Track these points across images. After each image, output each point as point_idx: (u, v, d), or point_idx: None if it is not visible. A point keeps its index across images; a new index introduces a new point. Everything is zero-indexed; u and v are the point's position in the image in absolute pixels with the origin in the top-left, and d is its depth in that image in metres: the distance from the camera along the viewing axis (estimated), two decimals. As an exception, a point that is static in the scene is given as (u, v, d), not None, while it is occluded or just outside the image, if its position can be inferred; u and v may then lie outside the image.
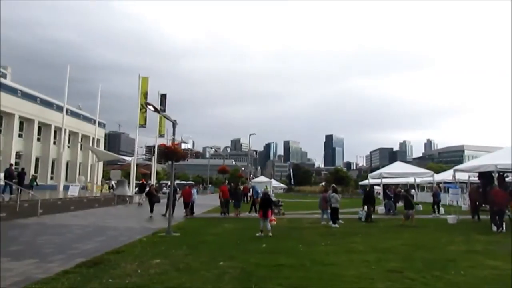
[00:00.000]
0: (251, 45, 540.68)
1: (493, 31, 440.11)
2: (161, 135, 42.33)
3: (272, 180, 75.50)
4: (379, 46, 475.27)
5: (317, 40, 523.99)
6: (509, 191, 17.34)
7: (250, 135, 60.43)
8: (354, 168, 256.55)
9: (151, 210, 19.85)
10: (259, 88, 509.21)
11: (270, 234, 12.60)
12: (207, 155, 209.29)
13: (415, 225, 15.95)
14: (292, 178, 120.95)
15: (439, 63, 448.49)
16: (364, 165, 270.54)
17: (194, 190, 21.30)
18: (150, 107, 14.51)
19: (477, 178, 19.68)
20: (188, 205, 20.15)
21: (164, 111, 37.83)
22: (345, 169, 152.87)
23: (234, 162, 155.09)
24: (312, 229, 15.00)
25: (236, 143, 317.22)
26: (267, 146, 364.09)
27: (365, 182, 45.42)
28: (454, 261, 8.52)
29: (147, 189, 23.86)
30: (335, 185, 20.62)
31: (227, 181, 26.45)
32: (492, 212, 15.17)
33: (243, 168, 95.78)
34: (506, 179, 18.80)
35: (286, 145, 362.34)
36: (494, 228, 14.40)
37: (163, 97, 41.54)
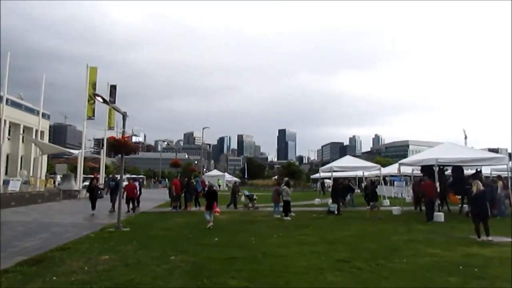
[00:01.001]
0: (205, 37, 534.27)
1: (437, 31, 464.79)
2: (110, 128, 40.76)
3: (226, 173, 75.42)
4: (331, 44, 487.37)
5: (270, 34, 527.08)
6: (448, 183, 18.49)
7: (203, 129, 59.88)
8: (306, 162, 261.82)
9: (93, 207, 17.98)
10: (213, 81, 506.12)
11: (208, 224, 13.09)
12: (159, 148, 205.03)
13: (381, 217, 16.35)
14: (245, 171, 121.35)
15: (387, 63, 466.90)
16: (316, 159, 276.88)
17: (135, 184, 20.89)
18: (99, 98, 13.89)
19: (419, 172, 20.73)
20: (132, 200, 19.54)
21: (114, 102, 36.44)
22: (297, 163, 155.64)
23: (187, 156, 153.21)
24: (264, 222, 15.16)
25: (189, 137, 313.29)
26: (221, 140, 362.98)
27: (316, 175, 46.56)
28: (398, 250, 8.97)
29: (89, 183, 22.31)
30: (288, 179, 20.93)
31: (179, 175, 26.03)
32: (425, 203, 16.10)
33: (196, 162, 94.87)
34: (446, 172, 19.98)
35: (240, 139, 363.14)
36: (439, 217, 15.20)
37: (113, 88, 40.02)
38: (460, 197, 18.89)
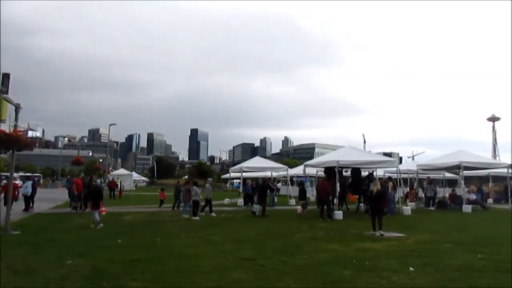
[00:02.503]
0: (113, 29, 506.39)
1: (351, 37, 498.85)
2: (1, 121, 36.70)
3: (133, 172, 72.52)
4: (246, 45, 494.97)
5: (181, 31, 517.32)
6: (347, 184, 19.96)
7: (110, 125, 56.55)
8: (218, 162, 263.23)
9: None
10: (122, 76, 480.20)
11: (98, 225, 12.84)
12: (60, 144, 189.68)
13: (301, 213, 16.98)
14: (154, 171, 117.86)
15: (298, 69, 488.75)
16: (228, 159, 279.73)
17: (28, 183, 19.26)
18: (-13, 86, 12.40)
19: (323, 173, 22.04)
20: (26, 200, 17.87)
21: (7, 93, 32.86)
22: (208, 163, 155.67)
23: (91, 153, 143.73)
24: (172, 222, 14.88)
25: (94, 133, 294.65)
26: (130, 138, 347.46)
27: (227, 175, 46.97)
28: (300, 247, 9.43)
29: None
30: (196, 179, 20.84)
31: (81, 174, 24.33)
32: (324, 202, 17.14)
33: (101, 160, 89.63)
34: (345, 174, 21.57)
35: (150, 137, 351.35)
36: (338, 216, 16.29)
37: (6, 76, 36.00)
38: (357, 196, 20.53)
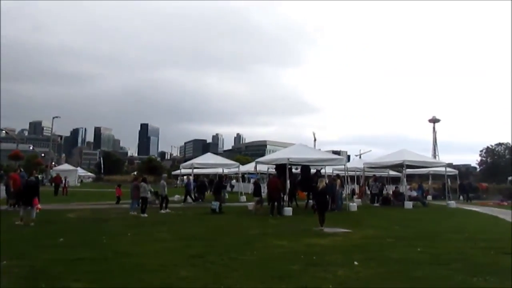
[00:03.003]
0: (54, 16, 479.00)
1: (305, 37, 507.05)
2: None
3: (79, 168, 69.40)
4: (198, 41, 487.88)
5: (132, 24, 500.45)
6: (297, 181, 20.31)
7: (53, 118, 53.87)
8: (169, 158, 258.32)
9: None
10: (66, 67, 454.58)
11: (32, 224, 12.28)
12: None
13: (257, 211, 17.01)
14: (102, 166, 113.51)
15: (251, 66, 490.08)
16: (179, 155, 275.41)
17: None
18: None
19: (274, 170, 22.29)
20: None
21: None
22: (159, 159, 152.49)
23: (32, 147, 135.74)
24: (119, 220, 14.41)
25: (36, 126, 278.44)
26: (75, 132, 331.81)
27: (178, 172, 46.28)
28: (250, 243, 9.48)
29: None
30: (145, 176, 20.34)
31: (20, 169, 22.88)
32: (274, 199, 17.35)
33: (43, 155, 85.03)
34: (295, 171, 21.98)
35: (97, 131, 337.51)
36: (288, 212, 16.59)
37: None
38: (307, 193, 20.98)
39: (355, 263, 7.17)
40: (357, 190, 30.65)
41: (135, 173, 68.51)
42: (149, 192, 17.12)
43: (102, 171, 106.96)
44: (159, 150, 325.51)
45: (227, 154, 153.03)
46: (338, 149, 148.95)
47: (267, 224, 13.70)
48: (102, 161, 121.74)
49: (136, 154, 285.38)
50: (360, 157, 66.51)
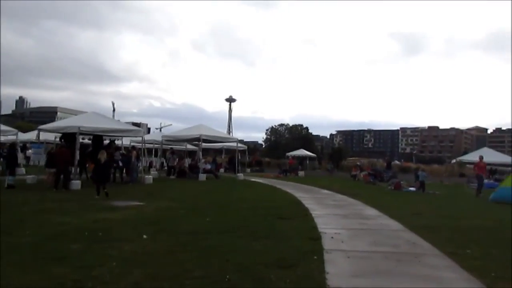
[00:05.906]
0: None
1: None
2: None
3: None
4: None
5: None
6: (87, 152, 18.64)
7: None
8: None
9: None
10: None
11: None
12: None
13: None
14: None
15: (41, 20, 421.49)
16: None
17: None
18: None
19: (59, 139, 19.79)
20: None
21: None
22: None
23: None
24: None
25: None
26: None
27: None
28: (23, 221, 8.17)
29: None
30: None
31: None
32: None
33: None
34: (85, 141, 20.19)
35: None
36: (76, 186, 15.09)
37: None
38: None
39: (144, 236, 6.92)
40: (154, 163, 30.58)
41: None
42: None
43: None
44: None
45: (6, 119, 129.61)
46: (139, 121, 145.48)
47: (49, 199, 12.09)
48: None
49: None
50: (160, 130, 66.63)
